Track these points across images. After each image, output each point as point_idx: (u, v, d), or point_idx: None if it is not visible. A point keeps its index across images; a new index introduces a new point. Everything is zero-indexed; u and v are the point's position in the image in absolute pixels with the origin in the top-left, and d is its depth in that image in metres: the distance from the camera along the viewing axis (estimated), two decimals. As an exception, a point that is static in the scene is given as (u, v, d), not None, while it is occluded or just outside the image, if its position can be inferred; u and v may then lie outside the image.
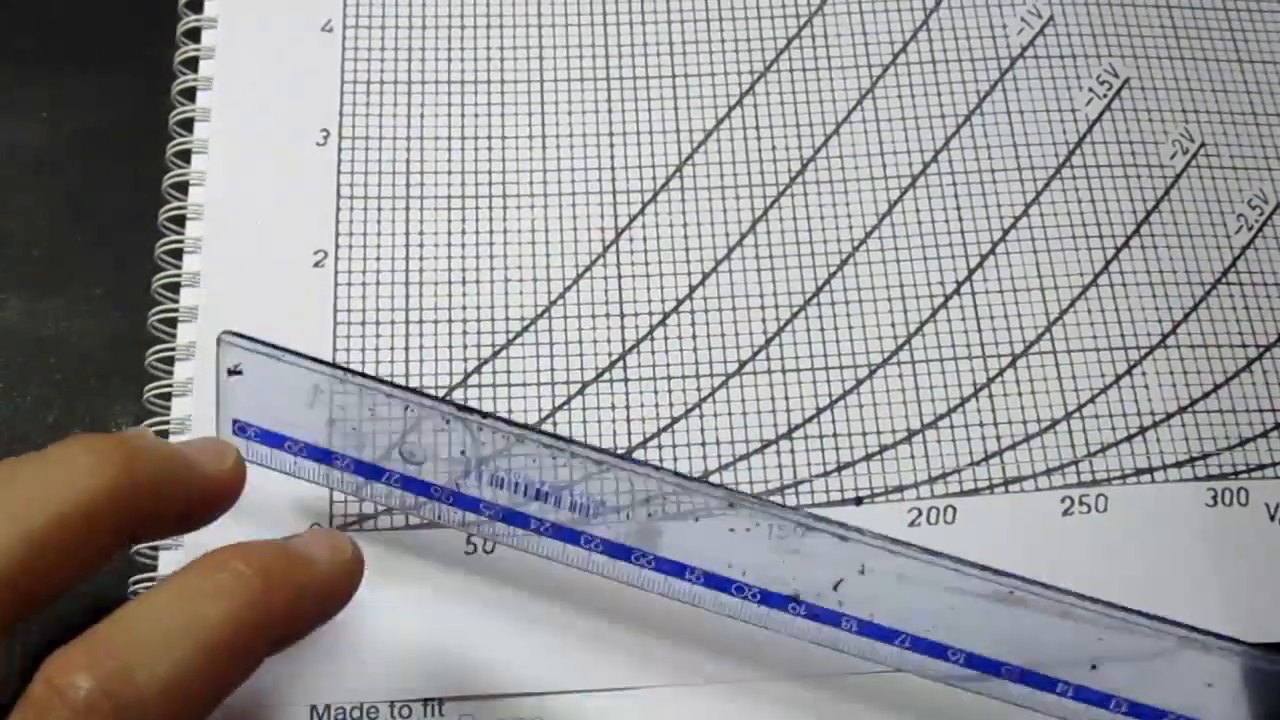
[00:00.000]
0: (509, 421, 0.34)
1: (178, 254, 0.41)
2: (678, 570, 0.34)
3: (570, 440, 0.34)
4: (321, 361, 0.34)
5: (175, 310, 0.40)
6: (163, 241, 0.41)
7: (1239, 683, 0.32)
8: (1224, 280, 0.42)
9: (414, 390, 0.35)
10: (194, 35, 0.45)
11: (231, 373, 0.36)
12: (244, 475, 0.33)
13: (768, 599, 0.34)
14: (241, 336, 0.35)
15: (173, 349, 0.39)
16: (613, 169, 0.43)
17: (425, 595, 0.36)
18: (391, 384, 0.34)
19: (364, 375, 0.34)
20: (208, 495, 0.32)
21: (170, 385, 0.39)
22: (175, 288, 0.40)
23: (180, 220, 0.41)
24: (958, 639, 0.33)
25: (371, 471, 0.35)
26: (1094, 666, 0.32)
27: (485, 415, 0.34)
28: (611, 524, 0.35)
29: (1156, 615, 0.32)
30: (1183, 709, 0.33)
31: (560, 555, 0.35)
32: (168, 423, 0.38)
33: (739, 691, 0.35)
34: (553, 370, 0.40)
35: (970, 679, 0.33)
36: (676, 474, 0.34)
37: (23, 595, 0.27)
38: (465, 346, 0.40)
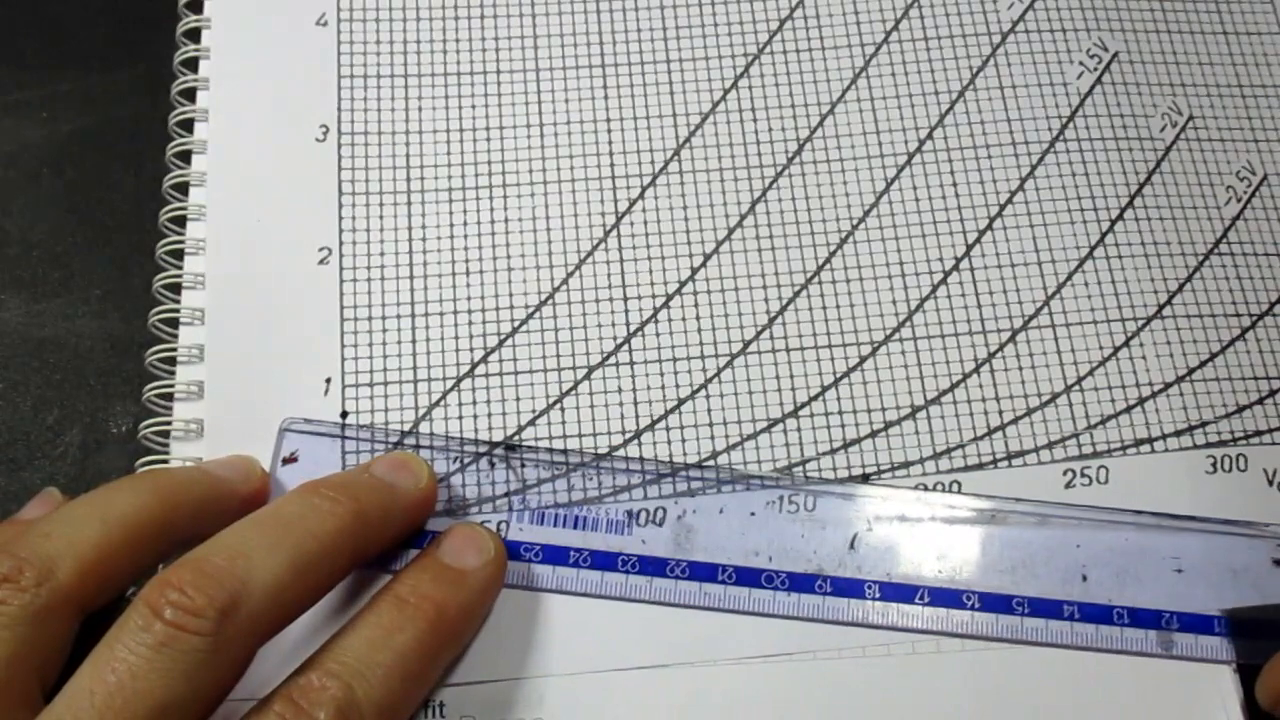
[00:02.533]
0: (550, 450, 0.37)
1: (179, 254, 0.40)
2: (710, 573, 0.35)
3: (609, 452, 0.37)
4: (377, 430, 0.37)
5: (176, 311, 0.39)
6: (163, 242, 0.40)
7: (1204, 563, 0.35)
8: (1216, 251, 0.41)
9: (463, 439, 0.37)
10: (194, 35, 0.43)
11: (286, 461, 0.36)
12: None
13: (795, 583, 0.35)
14: (304, 421, 0.37)
15: (173, 349, 0.38)
16: (611, 155, 0.42)
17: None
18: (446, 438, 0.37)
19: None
20: (412, 513, 0.35)
21: (171, 385, 0.38)
22: (176, 288, 0.39)
23: (181, 221, 0.40)
24: (967, 580, 0.35)
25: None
26: (1084, 577, 0.35)
27: (526, 448, 0.37)
28: (649, 534, 0.36)
29: (1113, 507, 0.36)
30: (1169, 605, 0.35)
31: (599, 586, 0.36)
32: (169, 423, 0.38)
33: (751, 672, 0.35)
34: (559, 356, 0.39)
35: (989, 627, 0.35)
36: (701, 465, 0.36)
37: (285, 610, 0.30)
38: (471, 337, 0.39)
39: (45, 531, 0.30)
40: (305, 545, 0.30)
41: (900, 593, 0.35)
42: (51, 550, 0.29)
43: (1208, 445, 0.38)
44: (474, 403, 0.38)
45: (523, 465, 0.37)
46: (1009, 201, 0.41)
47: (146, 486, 0.33)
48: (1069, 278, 0.40)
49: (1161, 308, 0.40)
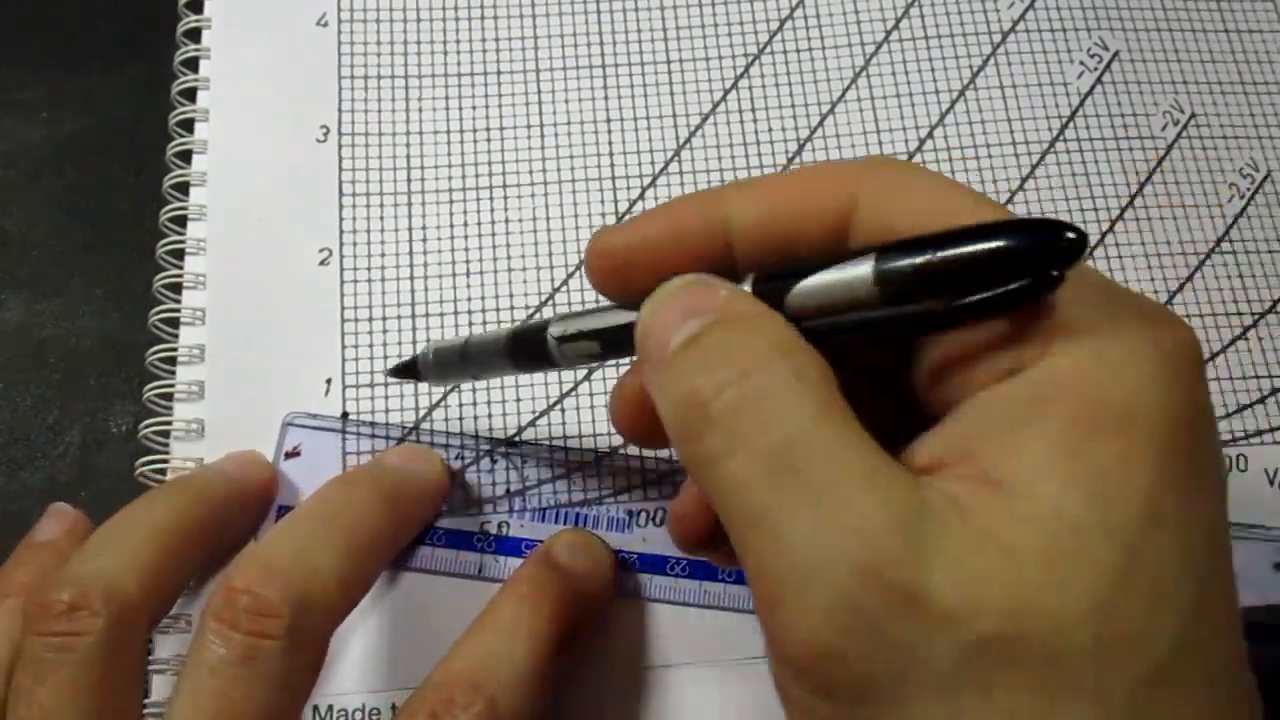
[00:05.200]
0: (551, 449, 0.37)
1: (179, 254, 0.40)
2: (711, 572, 0.35)
3: (610, 452, 0.37)
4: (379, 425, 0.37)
5: (177, 310, 0.39)
6: (164, 242, 0.39)
7: None
8: (1218, 249, 0.41)
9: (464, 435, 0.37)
10: (194, 35, 0.43)
11: (289, 455, 0.36)
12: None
13: None
14: (308, 416, 0.37)
15: (174, 349, 0.38)
16: (611, 155, 0.42)
17: (431, 596, 0.36)
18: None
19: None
20: (435, 500, 0.36)
21: (171, 385, 0.38)
22: (176, 288, 0.39)
23: (181, 221, 0.40)
24: None
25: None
26: None
27: (530, 443, 0.37)
28: (650, 533, 0.36)
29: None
30: None
31: None
32: (169, 423, 0.37)
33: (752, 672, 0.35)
34: (558, 357, 0.39)
35: None
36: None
37: (350, 597, 0.30)
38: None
39: (97, 551, 0.30)
40: (355, 534, 0.30)
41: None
42: (111, 569, 0.29)
43: (1208, 445, 0.38)
44: (474, 403, 0.38)
45: (523, 464, 0.37)
46: (1009, 201, 0.41)
47: (180, 493, 0.33)
48: (1070, 278, 0.40)
49: (1162, 307, 0.40)
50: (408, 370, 0.35)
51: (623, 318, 0.26)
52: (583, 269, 0.29)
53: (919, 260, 0.20)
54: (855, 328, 0.22)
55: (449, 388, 0.38)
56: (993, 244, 0.20)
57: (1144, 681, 0.19)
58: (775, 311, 0.22)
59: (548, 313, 0.39)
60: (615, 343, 0.26)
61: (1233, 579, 0.21)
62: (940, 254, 0.20)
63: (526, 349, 0.30)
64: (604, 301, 0.27)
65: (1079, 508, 0.19)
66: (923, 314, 0.21)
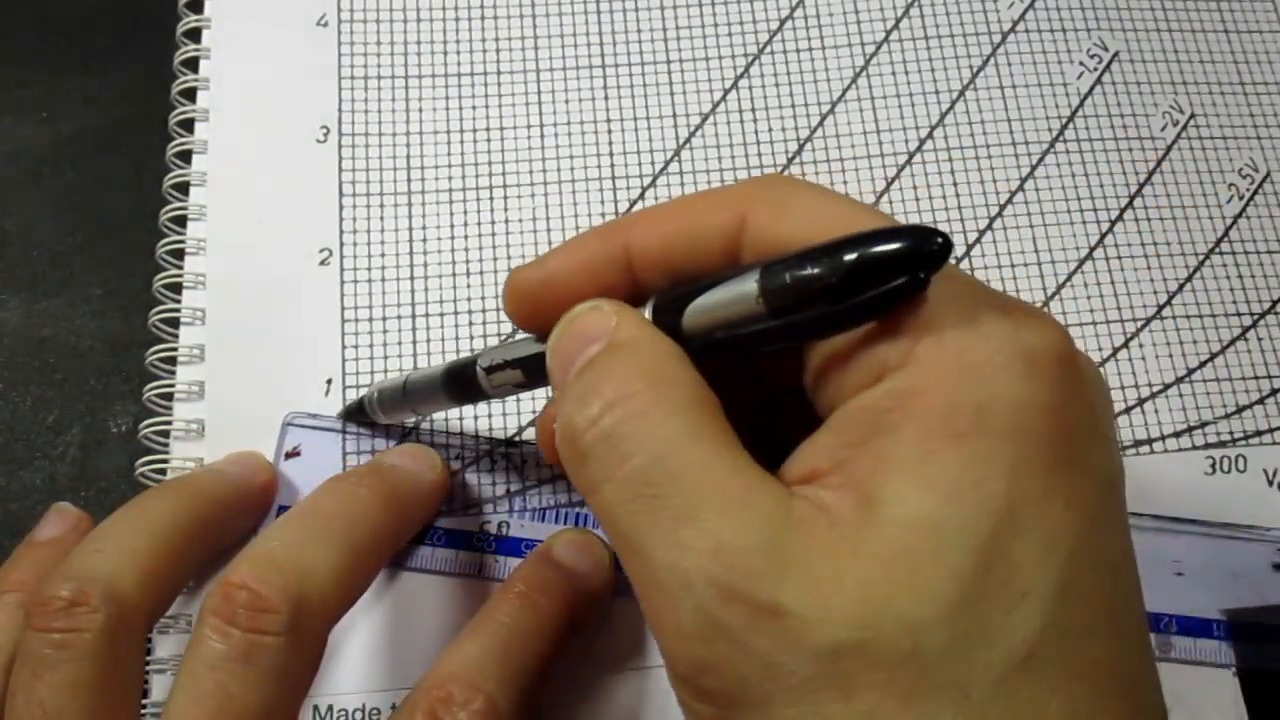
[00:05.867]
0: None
1: (179, 254, 0.40)
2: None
3: None
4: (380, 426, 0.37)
5: (177, 311, 0.39)
6: (164, 242, 0.39)
7: (1205, 567, 0.35)
8: (1217, 250, 0.41)
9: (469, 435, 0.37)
10: (194, 35, 0.43)
11: (289, 455, 0.36)
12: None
13: None
14: (308, 416, 0.37)
15: (174, 349, 0.38)
16: (611, 155, 0.42)
17: (430, 596, 0.36)
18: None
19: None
20: (434, 498, 0.36)
21: (171, 385, 0.38)
22: (176, 288, 0.39)
23: (181, 221, 0.40)
24: None
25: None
26: None
27: (530, 443, 0.37)
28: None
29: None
30: (1168, 608, 0.35)
31: None
32: (169, 423, 0.37)
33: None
34: (558, 358, 0.39)
35: None
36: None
37: (348, 594, 0.30)
38: (472, 338, 0.39)
39: (97, 549, 0.29)
40: (354, 531, 0.30)
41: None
42: (110, 566, 0.29)
43: (1207, 446, 0.38)
44: (474, 405, 0.38)
45: (523, 464, 0.37)
46: (1009, 201, 0.41)
47: (180, 492, 0.33)
48: (1069, 278, 0.40)
49: (1161, 308, 0.40)
50: (358, 412, 0.36)
51: (540, 347, 0.27)
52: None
53: (798, 273, 0.21)
54: (749, 341, 0.23)
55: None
56: (861, 252, 0.20)
57: (1001, 675, 0.19)
58: (660, 334, 0.24)
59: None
60: (536, 371, 0.28)
61: (1126, 574, 0.22)
62: (815, 265, 0.21)
63: (459, 381, 0.31)
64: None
65: (932, 511, 0.20)
66: (804, 323, 0.22)
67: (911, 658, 0.19)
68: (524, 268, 0.27)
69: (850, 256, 0.20)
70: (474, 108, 0.42)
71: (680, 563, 0.21)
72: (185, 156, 0.41)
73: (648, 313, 0.24)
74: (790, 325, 0.22)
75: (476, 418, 0.38)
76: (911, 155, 0.42)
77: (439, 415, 0.38)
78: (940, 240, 0.20)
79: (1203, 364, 0.39)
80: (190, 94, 0.42)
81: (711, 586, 0.20)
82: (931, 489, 0.20)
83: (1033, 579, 0.20)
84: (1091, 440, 0.21)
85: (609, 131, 0.42)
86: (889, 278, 0.20)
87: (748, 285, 0.22)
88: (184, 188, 0.41)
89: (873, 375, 0.22)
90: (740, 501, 0.21)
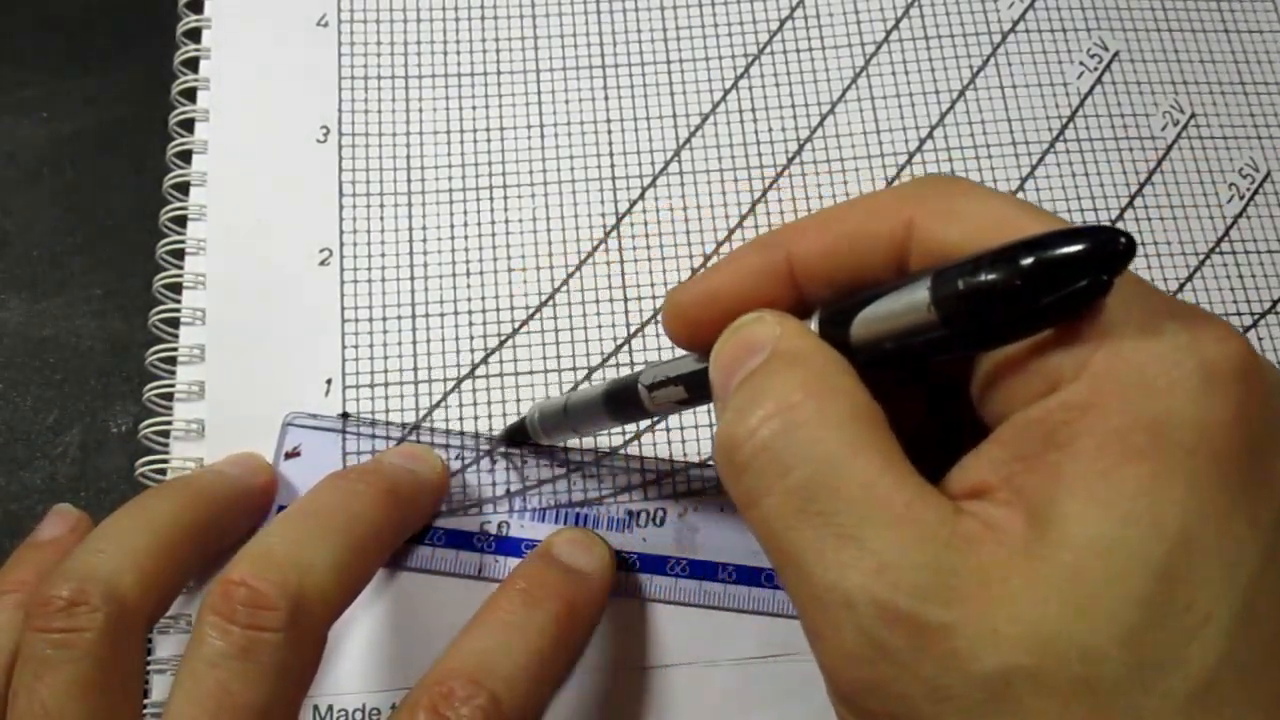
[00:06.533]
0: (551, 449, 0.37)
1: (179, 254, 0.40)
2: (711, 572, 0.35)
3: (610, 452, 0.37)
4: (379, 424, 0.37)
5: (177, 311, 0.39)
6: (164, 242, 0.39)
7: None
8: (1217, 250, 0.41)
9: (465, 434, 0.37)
10: (194, 35, 0.43)
11: (289, 456, 0.36)
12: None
13: None
14: (308, 416, 0.37)
15: (174, 349, 0.38)
16: (611, 155, 0.42)
17: (430, 595, 0.36)
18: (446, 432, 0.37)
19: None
20: (433, 497, 0.36)
21: (171, 385, 0.38)
22: (177, 288, 0.39)
23: (181, 221, 0.40)
24: None
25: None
26: None
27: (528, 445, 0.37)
28: (650, 533, 0.36)
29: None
30: None
31: None
32: (169, 423, 0.37)
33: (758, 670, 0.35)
34: (559, 357, 0.39)
35: None
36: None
37: (347, 590, 0.30)
38: (472, 338, 0.39)
39: (97, 548, 0.29)
40: (353, 528, 0.30)
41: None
42: (110, 566, 0.29)
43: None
44: (474, 404, 0.38)
45: (523, 464, 0.37)
46: (1009, 201, 0.41)
47: (179, 492, 0.33)
48: (1069, 278, 0.40)
49: (1162, 308, 0.40)
50: (518, 434, 0.36)
51: (702, 364, 0.27)
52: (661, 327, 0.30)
53: (972, 279, 0.20)
54: (918, 351, 0.22)
55: (449, 389, 0.38)
56: (1039, 255, 0.19)
57: (1181, 706, 0.18)
58: (824, 344, 0.23)
59: (548, 313, 0.39)
60: (698, 387, 0.28)
61: None
62: (991, 271, 0.20)
63: (621, 400, 0.31)
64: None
65: (1109, 533, 0.19)
66: (978, 332, 0.21)
67: (1086, 686, 0.18)
68: (682, 286, 0.27)
69: (1028, 260, 0.19)
70: (474, 108, 0.42)
71: (842, 581, 0.20)
72: (185, 156, 0.41)
73: (813, 324, 0.24)
74: (963, 334, 0.21)
75: (477, 418, 0.38)
76: (911, 155, 0.42)
77: (439, 415, 0.38)
78: (1124, 240, 0.19)
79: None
80: (190, 94, 0.42)
81: (874, 606, 0.20)
82: (1108, 509, 0.19)
83: (1214, 604, 0.19)
84: (1274, 454, 0.20)
85: (609, 131, 0.42)
86: (1070, 281, 0.19)
87: (918, 294, 0.21)
88: (184, 188, 0.41)
89: (1045, 386, 0.21)
90: (905, 518, 0.20)
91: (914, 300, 0.21)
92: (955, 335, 0.21)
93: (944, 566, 0.19)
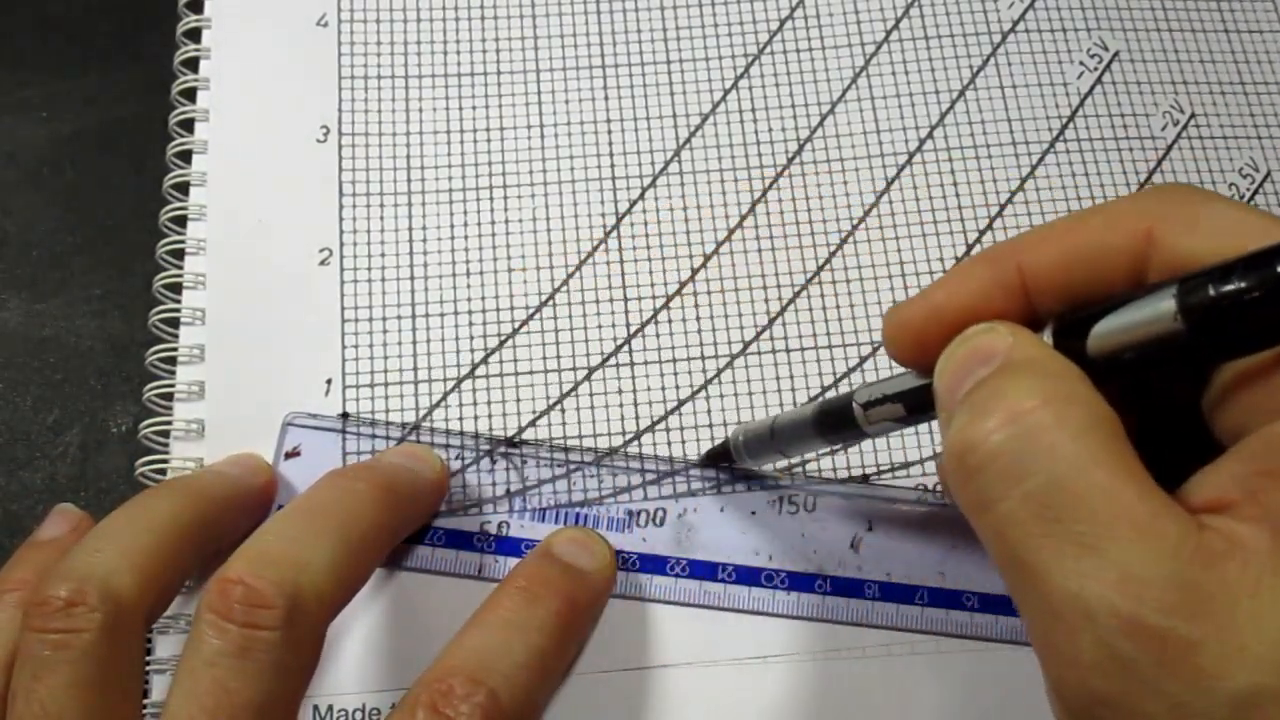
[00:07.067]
0: (551, 448, 0.37)
1: (179, 254, 0.40)
2: (711, 572, 0.35)
3: (610, 452, 0.37)
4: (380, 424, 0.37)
5: (177, 311, 0.39)
6: (164, 242, 0.39)
7: None
8: (1218, 249, 0.41)
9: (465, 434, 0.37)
10: (194, 35, 0.43)
11: (289, 456, 0.36)
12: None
13: (795, 582, 0.35)
14: (308, 416, 0.37)
15: (174, 349, 0.38)
16: (611, 155, 0.42)
17: (430, 595, 0.36)
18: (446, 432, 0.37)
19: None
20: (432, 496, 0.36)
21: (171, 385, 0.38)
22: (177, 288, 0.39)
23: (181, 221, 0.40)
24: (967, 581, 0.35)
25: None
26: None
27: (529, 443, 0.37)
28: (650, 533, 0.36)
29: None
30: None
31: None
32: (169, 423, 0.37)
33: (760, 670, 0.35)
34: (559, 357, 0.39)
35: (988, 627, 0.35)
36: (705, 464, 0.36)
37: (345, 588, 0.30)
38: (472, 338, 0.39)
39: (95, 548, 0.29)
40: (350, 526, 0.30)
41: (900, 593, 0.35)
42: (108, 565, 0.29)
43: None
44: (474, 404, 0.38)
45: (524, 464, 0.37)
46: (1009, 201, 0.41)
47: (179, 492, 0.33)
48: (1070, 278, 0.40)
49: (1162, 308, 0.40)
50: (720, 457, 0.36)
51: (923, 380, 0.26)
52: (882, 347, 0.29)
53: (1223, 287, 0.20)
54: (1159, 361, 0.22)
55: (449, 389, 0.38)
56: None
57: None
58: (1057, 353, 0.23)
59: (548, 313, 0.39)
60: (918, 403, 0.27)
61: None
62: (1242, 278, 0.20)
63: (833, 420, 0.30)
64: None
65: None
66: (1225, 341, 0.21)
67: None
68: (905, 303, 0.26)
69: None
70: (474, 108, 0.42)
71: (1082, 592, 0.19)
72: (185, 156, 0.41)
73: (1047, 335, 0.23)
74: (1210, 344, 0.21)
75: (477, 418, 0.38)
76: (911, 155, 0.42)
77: (439, 415, 0.38)
78: None
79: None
80: (190, 94, 0.42)
81: (1116, 618, 0.19)
82: None
83: None
84: None
85: (609, 131, 0.42)
86: None
87: (1164, 303, 0.21)
88: (184, 188, 0.41)
89: None
90: (1147, 530, 0.20)
91: (1158, 310, 0.21)
92: (1201, 345, 0.21)
93: (1189, 581, 0.19)
